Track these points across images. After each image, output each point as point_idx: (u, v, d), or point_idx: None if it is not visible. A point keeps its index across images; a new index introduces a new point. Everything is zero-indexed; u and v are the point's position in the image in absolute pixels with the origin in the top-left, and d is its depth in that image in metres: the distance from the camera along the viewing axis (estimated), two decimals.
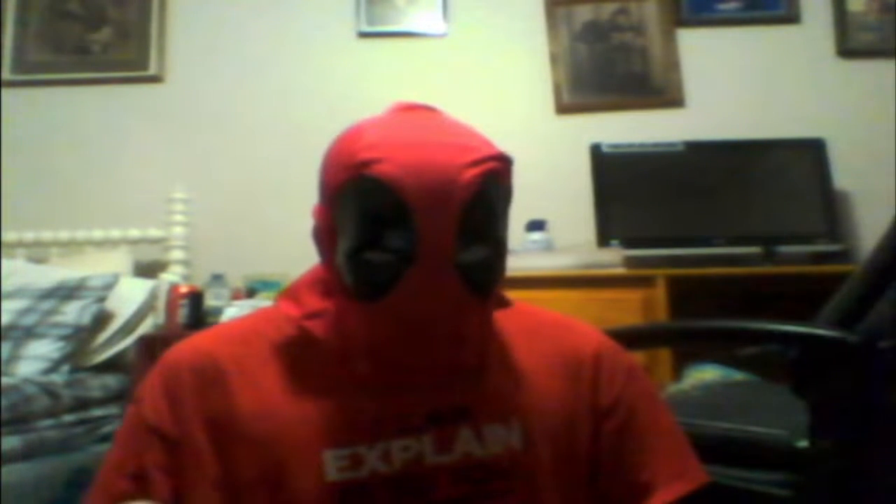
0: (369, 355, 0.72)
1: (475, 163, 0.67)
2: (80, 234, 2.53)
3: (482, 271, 0.70)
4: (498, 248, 0.72)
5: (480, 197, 0.67)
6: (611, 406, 0.78)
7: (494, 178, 0.69)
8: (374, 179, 0.66)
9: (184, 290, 2.18)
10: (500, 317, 0.78)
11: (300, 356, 0.76)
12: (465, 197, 0.66)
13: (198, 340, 0.80)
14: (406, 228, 0.66)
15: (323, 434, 0.72)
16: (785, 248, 2.42)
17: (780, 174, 2.54)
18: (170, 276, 2.40)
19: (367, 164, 0.66)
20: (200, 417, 0.73)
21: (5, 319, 1.98)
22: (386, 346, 0.71)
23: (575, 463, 0.76)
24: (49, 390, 1.71)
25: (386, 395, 0.73)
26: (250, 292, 2.37)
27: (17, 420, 1.56)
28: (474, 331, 0.74)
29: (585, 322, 0.85)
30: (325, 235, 0.73)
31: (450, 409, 0.73)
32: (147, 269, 2.49)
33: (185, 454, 0.72)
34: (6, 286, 2.14)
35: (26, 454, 1.55)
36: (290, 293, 0.79)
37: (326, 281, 0.76)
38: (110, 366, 2.07)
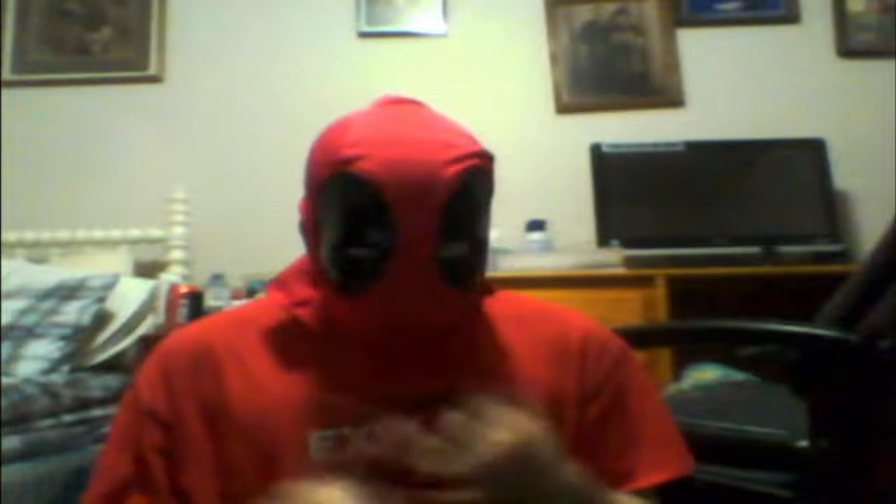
0: (357, 343, 0.74)
1: (456, 160, 0.68)
2: (80, 234, 2.53)
3: (462, 267, 0.71)
4: (478, 243, 0.72)
5: (461, 194, 0.68)
6: (596, 390, 0.79)
7: (476, 174, 0.70)
8: (355, 177, 0.67)
9: (184, 290, 2.17)
10: (489, 304, 0.79)
11: (290, 342, 0.77)
12: (445, 194, 0.67)
13: (193, 329, 0.83)
14: (387, 225, 0.67)
15: (310, 417, 0.73)
16: (785, 248, 2.42)
17: (780, 174, 2.55)
18: (170, 276, 2.40)
19: (349, 161, 0.67)
20: (194, 402, 0.74)
21: (5, 319, 1.98)
22: (373, 336, 0.73)
23: (562, 447, 0.76)
24: (49, 390, 1.71)
25: (374, 379, 0.74)
26: (250, 292, 2.37)
27: (17, 420, 1.56)
28: (459, 321, 0.75)
29: (576, 310, 0.85)
30: (309, 228, 0.75)
31: (438, 394, 0.74)
32: (147, 269, 2.49)
33: (180, 438, 0.74)
34: (6, 286, 2.14)
35: (26, 454, 1.55)
36: (280, 282, 0.81)
37: (313, 271, 0.78)
38: (110, 366, 2.07)
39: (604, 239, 2.44)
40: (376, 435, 0.72)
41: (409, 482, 0.72)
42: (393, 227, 0.67)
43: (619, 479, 0.76)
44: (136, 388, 0.78)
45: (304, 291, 0.78)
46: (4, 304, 2.03)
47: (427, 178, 0.67)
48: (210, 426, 0.73)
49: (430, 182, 0.67)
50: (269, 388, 0.74)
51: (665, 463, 0.79)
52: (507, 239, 2.27)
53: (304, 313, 0.77)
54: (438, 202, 0.67)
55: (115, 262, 2.41)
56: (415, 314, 0.70)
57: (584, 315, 0.85)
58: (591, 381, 0.79)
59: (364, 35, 2.80)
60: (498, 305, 0.81)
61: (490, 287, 0.80)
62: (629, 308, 2.14)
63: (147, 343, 2.01)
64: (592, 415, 0.78)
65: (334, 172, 0.68)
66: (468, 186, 0.69)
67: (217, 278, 2.38)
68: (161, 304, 2.18)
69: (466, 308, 0.76)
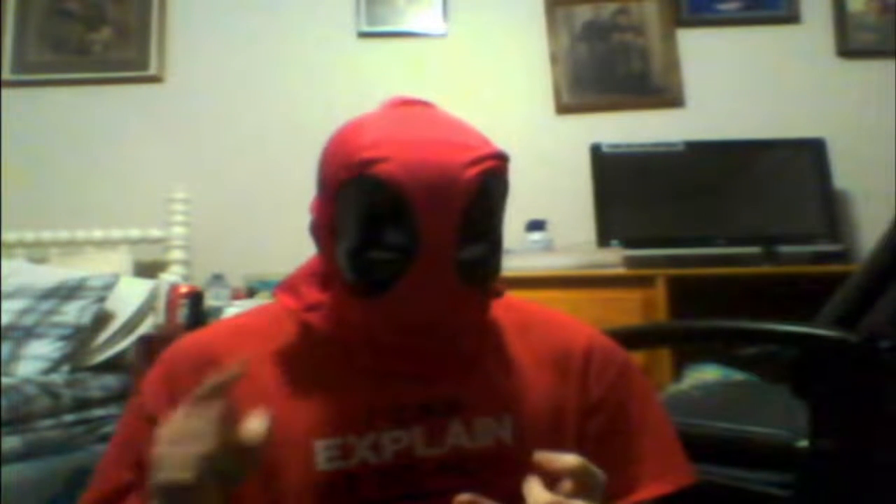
0: (368, 346, 0.73)
1: (475, 161, 0.68)
2: (80, 234, 2.53)
3: (480, 268, 0.71)
4: (495, 244, 0.73)
5: (480, 196, 0.68)
6: (599, 402, 0.79)
7: (494, 176, 0.70)
8: (375, 179, 0.66)
9: (184, 290, 2.17)
10: (494, 311, 0.79)
11: (296, 349, 0.77)
12: (465, 196, 0.67)
13: (198, 335, 0.83)
14: (407, 227, 0.67)
15: (315, 425, 0.72)
16: (785, 248, 2.41)
17: (780, 174, 2.55)
18: (170, 276, 2.40)
19: (368, 163, 0.67)
20: None
21: (5, 319, 1.98)
22: (384, 338, 0.72)
23: None
24: (49, 390, 1.71)
25: (380, 387, 0.73)
26: (250, 292, 2.37)
27: (17, 420, 1.56)
28: (471, 323, 0.75)
29: (580, 319, 0.85)
30: (323, 230, 0.74)
31: (442, 401, 0.74)
32: (147, 269, 2.49)
33: None
34: (6, 286, 2.14)
35: (26, 454, 1.55)
36: (289, 286, 0.80)
37: (323, 273, 0.77)
38: (110, 366, 2.07)
39: (604, 239, 2.44)
40: (381, 443, 0.72)
41: (418, 492, 0.72)
42: (413, 229, 0.67)
43: (619, 492, 0.76)
44: (140, 394, 0.77)
45: (315, 295, 0.77)
46: (4, 304, 2.03)
47: (448, 180, 0.66)
48: None
49: (451, 184, 0.67)
50: (274, 396, 0.74)
51: (666, 475, 0.79)
52: (507, 239, 2.26)
53: (314, 318, 0.76)
54: (459, 204, 0.67)
55: (115, 262, 2.41)
56: (434, 315, 0.70)
57: (588, 325, 0.85)
58: (593, 393, 0.79)
59: (364, 35, 2.80)
60: (502, 312, 0.80)
61: (500, 289, 0.80)
62: (629, 308, 2.13)
63: (147, 343, 2.01)
64: (594, 427, 0.78)
65: (353, 175, 0.68)
66: (487, 188, 0.69)
67: (217, 278, 2.38)
68: (161, 304, 2.18)
69: (480, 310, 0.76)
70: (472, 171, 0.67)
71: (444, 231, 0.67)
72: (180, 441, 0.59)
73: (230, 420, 0.61)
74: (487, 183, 0.69)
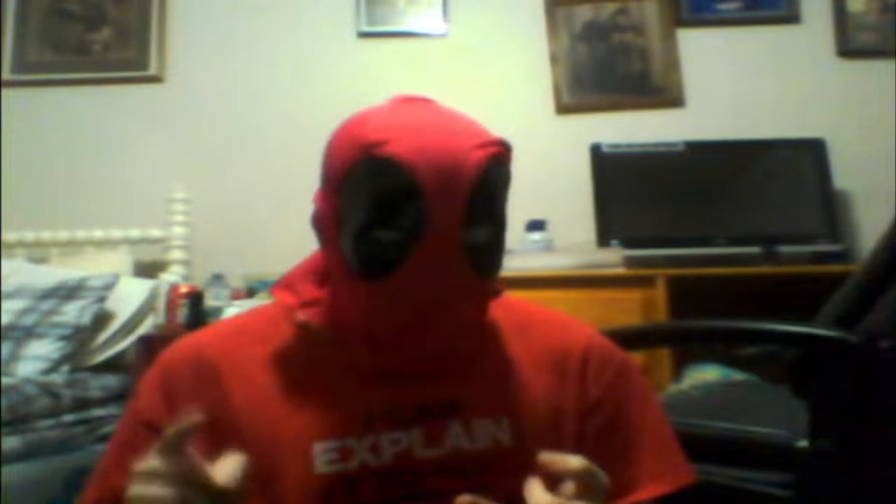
0: (366, 341, 0.73)
1: (481, 145, 0.69)
2: (80, 234, 2.53)
3: (486, 251, 0.71)
4: (499, 231, 0.73)
5: (487, 178, 0.69)
6: (597, 402, 0.79)
7: (499, 161, 0.71)
8: (383, 159, 0.67)
9: (184, 290, 2.17)
10: (493, 311, 0.79)
11: (294, 351, 0.77)
12: (473, 177, 0.68)
13: (195, 338, 0.82)
14: (415, 207, 0.67)
15: (313, 427, 0.72)
16: (785, 248, 2.41)
17: (780, 174, 2.54)
18: (170, 276, 2.40)
19: (376, 144, 0.67)
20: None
21: (5, 319, 1.98)
22: (384, 330, 0.72)
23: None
24: (49, 390, 1.71)
25: (378, 388, 0.73)
26: (250, 292, 2.37)
27: (17, 420, 1.56)
28: (472, 317, 0.75)
29: (579, 320, 0.85)
30: (326, 221, 0.74)
31: (440, 402, 0.74)
32: (147, 269, 2.49)
33: None
34: (6, 286, 2.14)
35: (26, 454, 1.55)
36: (286, 283, 0.80)
37: (321, 270, 0.77)
38: (110, 366, 2.07)
39: (604, 239, 2.44)
40: (380, 445, 0.72)
41: (417, 494, 0.72)
42: (420, 209, 0.67)
43: (618, 492, 0.76)
44: (137, 399, 0.77)
45: (312, 292, 0.77)
46: (4, 304, 2.03)
47: (455, 161, 0.67)
48: (211, 438, 0.71)
49: (459, 165, 0.67)
50: (272, 398, 0.74)
51: (665, 475, 0.79)
52: (507, 239, 2.27)
53: (311, 314, 0.76)
54: (467, 185, 0.67)
55: (115, 262, 2.41)
56: (436, 300, 0.70)
57: (587, 325, 0.85)
58: (592, 394, 0.79)
59: (364, 35, 2.80)
60: (500, 312, 0.80)
61: (499, 289, 0.80)
62: (629, 308, 2.13)
63: (147, 343, 2.01)
64: (593, 427, 0.78)
65: (360, 157, 0.68)
66: (492, 171, 0.69)
67: (217, 278, 2.38)
68: (161, 304, 2.18)
69: (481, 303, 0.76)
70: (480, 154, 0.68)
71: (451, 212, 0.67)
72: (151, 484, 0.59)
73: (204, 462, 0.61)
74: (493, 168, 0.69)
